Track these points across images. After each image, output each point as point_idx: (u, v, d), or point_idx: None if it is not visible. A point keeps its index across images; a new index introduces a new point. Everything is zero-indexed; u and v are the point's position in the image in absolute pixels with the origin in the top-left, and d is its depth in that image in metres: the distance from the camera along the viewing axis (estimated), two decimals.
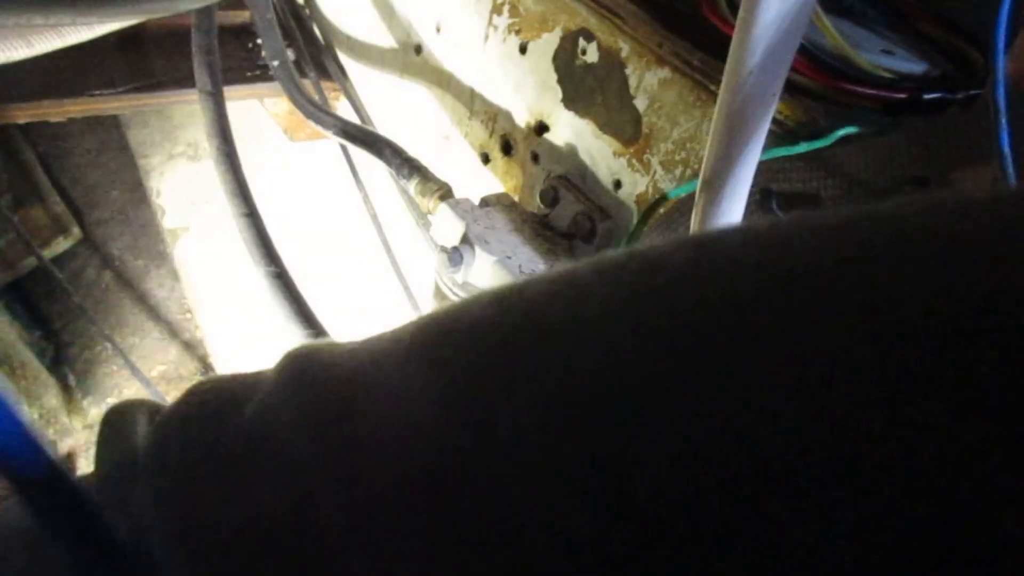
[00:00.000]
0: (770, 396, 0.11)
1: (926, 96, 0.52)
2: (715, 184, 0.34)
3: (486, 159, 0.85)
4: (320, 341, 0.20)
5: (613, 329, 0.13)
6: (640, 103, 0.63)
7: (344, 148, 0.98)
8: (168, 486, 0.18)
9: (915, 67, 0.58)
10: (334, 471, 0.16)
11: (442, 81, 0.90)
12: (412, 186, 0.72)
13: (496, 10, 0.78)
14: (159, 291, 1.46)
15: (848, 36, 0.49)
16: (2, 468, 0.14)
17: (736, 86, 0.31)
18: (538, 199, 0.72)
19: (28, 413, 1.05)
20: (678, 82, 0.60)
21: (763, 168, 0.35)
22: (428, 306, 0.66)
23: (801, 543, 0.11)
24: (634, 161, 0.65)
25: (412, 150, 0.78)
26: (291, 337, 0.68)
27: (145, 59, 1.03)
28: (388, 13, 0.98)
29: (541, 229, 0.66)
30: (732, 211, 0.34)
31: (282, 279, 0.69)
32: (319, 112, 0.88)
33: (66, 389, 1.14)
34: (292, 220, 1.50)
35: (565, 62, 0.70)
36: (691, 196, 0.55)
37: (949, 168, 0.42)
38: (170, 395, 1.26)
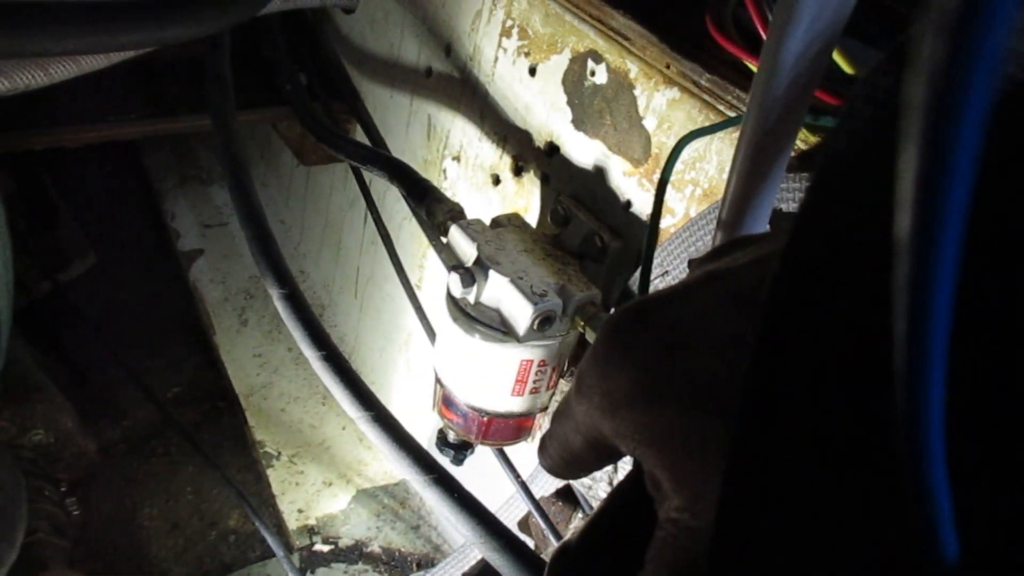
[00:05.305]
0: None
1: None
2: (740, 206, 0.34)
3: (496, 180, 0.86)
4: None
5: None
6: (649, 123, 0.64)
7: (356, 170, 0.99)
8: None
9: None
10: None
11: (452, 103, 0.91)
12: (424, 208, 0.73)
13: (505, 33, 0.79)
14: (174, 314, 1.47)
15: (854, 55, 0.49)
16: None
17: (762, 113, 0.32)
18: (549, 219, 0.73)
19: (44, 436, 1.05)
20: (687, 102, 0.60)
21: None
22: (441, 326, 0.66)
23: None
24: (644, 181, 0.65)
25: (423, 172, 0.78)
26: (306, 357, 0.68)
27: (160, 86, 1.05)
28: (399, 36, 1.00)
29: (552, 249, 0.67)
30: (755, 230, 0.35)
31: (295, 300, 0.69)
32: (331, 135, 0.89)
33: (82, 412, 1.14)
34: (304, 240, 1.51)
35: (574, 83, 0.71)
36: (703, 214, 0.55)
37: None
38: (184, 418, 1.26)
